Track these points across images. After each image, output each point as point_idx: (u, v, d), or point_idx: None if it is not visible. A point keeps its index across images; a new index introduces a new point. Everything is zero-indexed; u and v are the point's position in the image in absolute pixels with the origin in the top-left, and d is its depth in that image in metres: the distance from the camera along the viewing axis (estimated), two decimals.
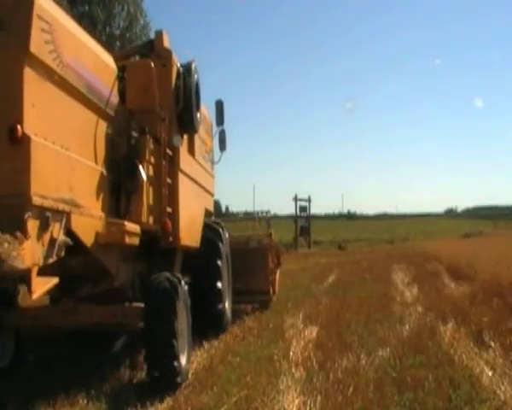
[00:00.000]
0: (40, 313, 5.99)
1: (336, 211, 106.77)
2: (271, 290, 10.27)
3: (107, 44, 28.57)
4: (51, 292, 5.18)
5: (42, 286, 4.43)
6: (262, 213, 18.27)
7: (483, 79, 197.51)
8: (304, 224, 38.02)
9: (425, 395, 4.78)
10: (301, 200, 38.31)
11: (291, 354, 6.50)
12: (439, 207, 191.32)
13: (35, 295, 4.36)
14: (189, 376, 5.70)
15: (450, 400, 4.68)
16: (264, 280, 10.02)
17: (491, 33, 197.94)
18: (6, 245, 3.76)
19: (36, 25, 4.14)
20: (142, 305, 5.62)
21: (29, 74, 4.13)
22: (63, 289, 5.27)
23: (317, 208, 64.22)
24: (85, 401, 5.01)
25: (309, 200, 38.92)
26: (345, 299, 10.67)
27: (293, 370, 5.80)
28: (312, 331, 7.73)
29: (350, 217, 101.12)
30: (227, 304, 8.29)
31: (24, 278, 4.18)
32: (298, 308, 9.82)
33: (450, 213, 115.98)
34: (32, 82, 4.16)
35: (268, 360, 6.20)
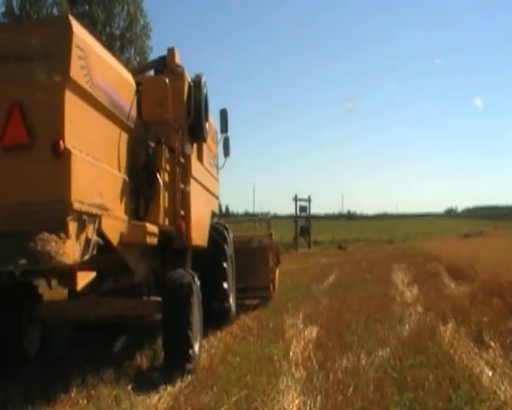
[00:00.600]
0: (66, 305, 6.75)
1: (336, 211, 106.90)
2: (271, 287, 10.87)
3: (107, 44, 28.54)
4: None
5: (83, 279, 5.29)
6: (262, 215, 18.80)
7: (483, 79, 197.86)
8: (304, 224, 38.02)
9: (425, 395, 4.78)
10: (301, 200, 38.32)
11: (291, 354, 6.50)
12: (439, 207, 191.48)
13: (79, 287, 5.23)
14: (190, 376, 5.72)
15: (450, 400, 4.67)
16: (265, 278, 10.60)
17: (491, 33, 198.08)
18: (53, 244, 4.44)
19: (74, 54, 4.80)
20: (158, 299, 6.29)
21: (69, 96, 4.78)
22: (88, 284, 5.67)
23: (317, 208, 64.21)
24: (85, 401, 5.02)
25: (309, 200, 38.93)
26: (345, 299, 10.66)
27: (293, 370, 5.80)
28: (312, 331, 7.73)
29: (350, 217, 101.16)
30: (232, 300, 8.84)
31: (68, 272, 5.00)
32: (298, 308, 9.82)
33: (450, 213, 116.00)
34: (70, 102, 4.80)
35: (268, 360, 6.20)
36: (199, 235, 7.61)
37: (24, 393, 5.23)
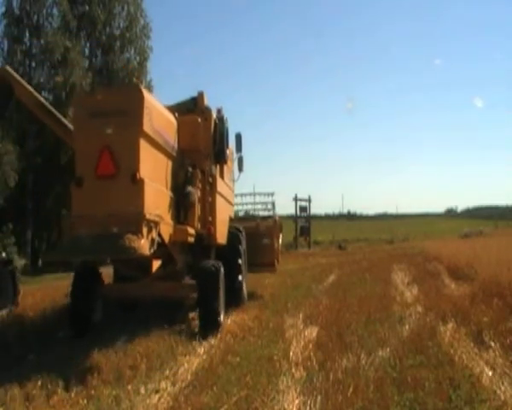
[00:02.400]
0: (125, 287, 8.85)
1: (336, 211, 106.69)
2: (276, 262, 13.15)
3: (107, 44, 28.62)
4: (132, 273, 8.65)
5: (155, 265, 8.69)
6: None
7: (483, 78, 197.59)
8: (304, 224, 38.06)
9: (425, 395, 4.78)
10: (301, 200, 38.37)
11: (291, 354, 6.50)
12: (439, 207, 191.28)
13: (154, 270, 8.69)
14: (189, 376, 5.75)
15: (450, 400, 4.68)
16: (270, 256, 12.83)
17: (491, 33, 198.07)
18: (136, 241, 6.62)
19: (146, 112, 7.09)
20: (193, 282, 8.55)
21: (142, 142, 7.10)
22: (143, 271, 8.54)
23: (317, 208, 64.24)
24: (85, 401, 5.02)
25: (309, 200, 38.98)
26: (345, 299, 10.66)
27: (293, 370, 5.80)
28: (312, 331, 7.73)
29: (350, 217, 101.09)
30: (245, 288, 10.78)
31: (145, 260, 7.66)
32: (298, 308, 9.83)
33: (451, 213, 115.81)
34: (142, 146, 7.11)
35: (268, 360, 6.20)
36: (221, 235, 9.75)
37: (24, 393, 5.24)
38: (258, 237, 12.52)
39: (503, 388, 4.95)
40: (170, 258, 8.38)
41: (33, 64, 25.33)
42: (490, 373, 5.38)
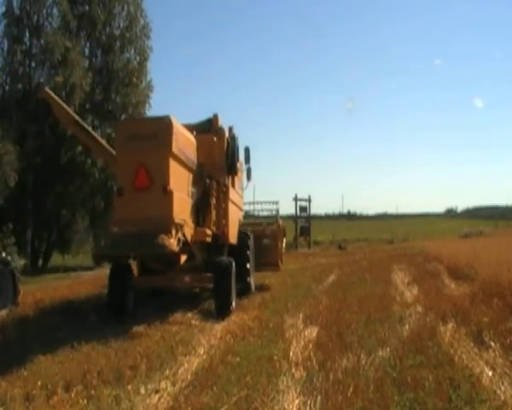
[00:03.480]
0: (153, 279, 10.54)
1: (336, 211, 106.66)
2: (280, 262, 14.78)
3: (107, 44, 28.63)
4: (159, 266, 10.33)
5: (182, 260, 9.82)
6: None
7: (483, 78, 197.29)
8: (304, 224, 38.05)
9: (425, 395, 4.78)
10: (301, 200, 38.36)
11: (291, 354, 6.49)
12: (439, 207, 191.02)
13: (181, 262, 9.82)
14: (189, 376, 5.75)
15: (450, 400, 4.67)
16: (275, 256, 14.44)
17: (491, 33, 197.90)
18: (167, 240, 8.31)
19: (174, 137, 8.80)
20: (210, 274, 10.09)
21: (171, 161, 8.83)
22: (168, 265, 10.00)
23: (317, 208, 64.25)
24: (85, 401, 5.02)
25: (309, 200, 38.97)
26: (345, 299, 10.66)
27: (293, 370, 5.80)
28: (312, 331, 7.73)
29: (350, 217, 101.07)
30: (252, 281, 12.40)
31: (174, 255, 9.10)
32: (298, 308, 9.83)
33: (451, 213, 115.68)
34: (171, 164, 8.84)
35: (268, 360, 6.20)
36: (232, 236, 11.62)
37: (24, 393, 5.24)
38: (264, 240, 14.19)
39: (503, 388, 4.94)
40: (191, 254, 10.08)
41: (33, 64, 25.30)
42: (490, 373, 5.38)
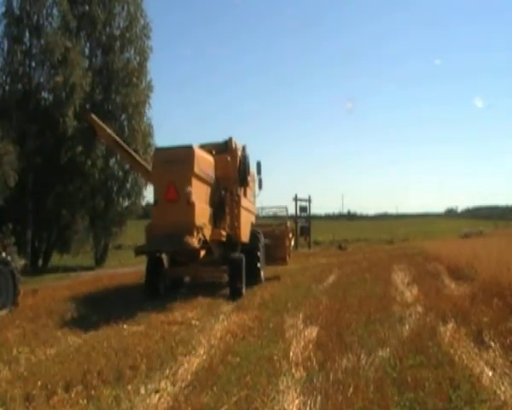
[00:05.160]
0: (180, 270, 13.39)
1: (336, 211, 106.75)
2: (287, 258, 17.21)
3: (107, 44, 28.52)
4: (184, 260, 12.96)
5: (202, 254, 12.57)
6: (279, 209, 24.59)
7: (483, 79, 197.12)
8: (304, 224, 38.02)
9: (425, 395, 4.78)
10: (301, 200, 38.33)
11: (291, 354, 6.49)
12: (439, 207, 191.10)
13: (201, 257, 12.69)
14: (189, 376, 5.75)
15: (450, 400, 4.67)
16: (283, 252, 16.86)
17: (492, 33, 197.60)
18: (191, 239, 11.00)
19: (196, 161, 11.70)
20: (225, 267, 12.66)
21: (193, 180, 11.61)
22: (191, 258, 12.65)
23: (317, 208, 64.38)
24: (85, 401, 5.02)
25: (309, 200, 38.96)
26: (345, 299, 10.66)
27: (293, 370, 5.80)
28: (312, 331, 7.73)
29: (350, 217, 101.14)
30: (262, 272, 14.69)
31: (196, 251, 11.95)
32: (298, 308, 9.82)
33: (451, 213, 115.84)
34: (194, 181, 11.58)
35: (268, 360, 6.20)
36: (245, 236, 14.09)
37: (24, 393, 5.23)
38: (274, 238, 16.53)
39: (503, 388, 4.94)
40: (210, 250, 12.41)
41: (33, 64, 25.25)
42: (490, 373, 5.38)
